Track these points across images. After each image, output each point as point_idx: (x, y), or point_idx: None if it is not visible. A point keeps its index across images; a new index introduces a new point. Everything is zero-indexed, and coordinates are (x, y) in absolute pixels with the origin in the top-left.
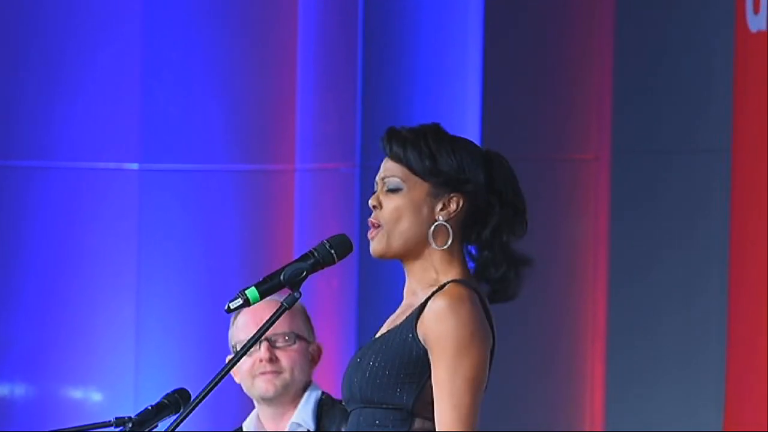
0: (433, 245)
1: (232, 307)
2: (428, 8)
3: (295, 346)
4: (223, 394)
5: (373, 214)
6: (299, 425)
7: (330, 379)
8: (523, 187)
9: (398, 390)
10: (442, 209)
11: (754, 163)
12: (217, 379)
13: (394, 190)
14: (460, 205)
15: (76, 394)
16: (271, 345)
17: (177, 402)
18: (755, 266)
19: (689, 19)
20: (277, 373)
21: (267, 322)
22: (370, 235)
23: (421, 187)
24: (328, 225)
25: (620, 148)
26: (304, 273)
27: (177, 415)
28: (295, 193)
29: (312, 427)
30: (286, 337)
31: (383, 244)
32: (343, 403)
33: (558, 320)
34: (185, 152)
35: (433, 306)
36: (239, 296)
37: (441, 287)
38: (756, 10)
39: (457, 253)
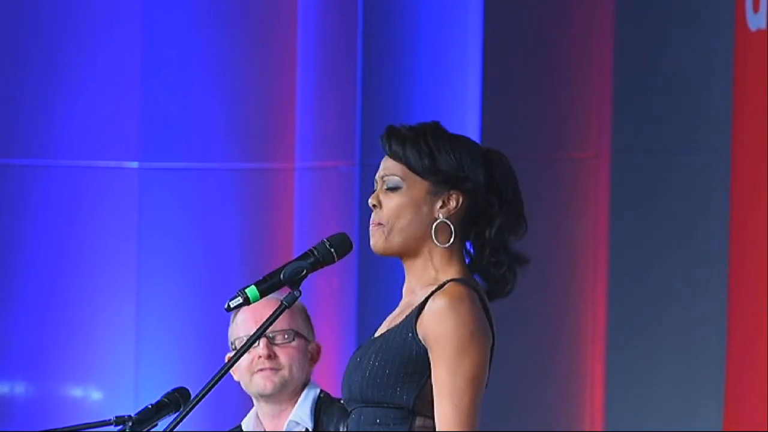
0: (436, 243)
1: (232, 306)
2: (428, 8)
3: (294, 344)
4: (223, 392)
5: (373, 213)
6: (297, 423)
7: (330, 378)
8: (523, 187)
9: (398, 389)
10: (441, 207)
11: (754, 162)
12: (217, 378)
13: (393, 189)
14: (460, 202)
15: (76, 392)
16: (270, 342)
17: (177, 401)
18: (755, 265)
19: (689, 18)
20: (276, 369)
21: (267, 320)
22: (371, 230)
23: (420, 186)
24: (328, 223)
25: (620, 147)
26: (304, 272)
27: (177, 413)
28: (294, 191)
29: (310, 426)
30: (285, 335)
31: (383, 240)
32: (344, 403)
33: (558, 320)
34: (185, 151)
35: (432, 305)
36: (239, 295)
37: (440, 286)
38: (756, 9)
39: (457, 251)
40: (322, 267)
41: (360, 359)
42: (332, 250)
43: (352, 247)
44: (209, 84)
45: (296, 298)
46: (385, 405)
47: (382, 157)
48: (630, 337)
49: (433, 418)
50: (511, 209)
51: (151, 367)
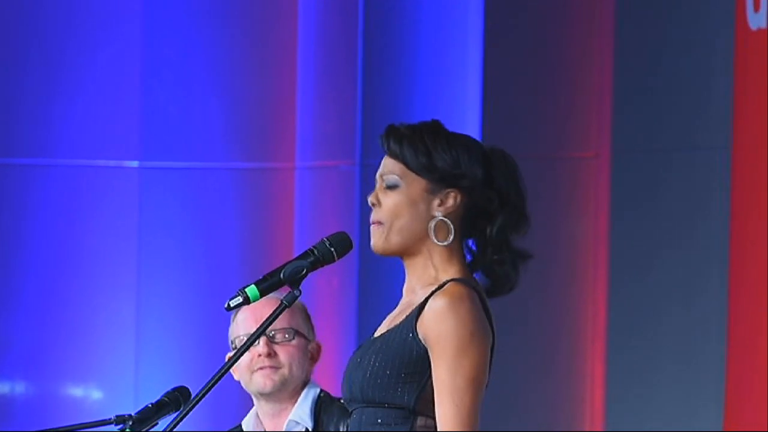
0: (435, 241)
1: (232, 305)
2: (428, 8)
3: (294, 342)
4: (223, 392)
5: (372, 212)
6: (297, 423)
7: (330, 377)
8: (524, 186)
9: (399, 389)
10: (439, 205)
11: (755, 161)
12: (217, 377)
13: (392, 187)
14: (458, 201)
15: (77, 392)
16: (270, 340)
17: (177, 400)
18: (755, 265)
19: (689, 17)
20: (276, 368)
21: (267, 319)
22: (372, 229)
23: (418, 184)
24: (328, 223)
25: (620, 147)
26: (304, 271)
27: (177, 413)
28: (295, 191)
29: (310, 425)
30: (285, 333)
31: (383, 240)
32: (344, 403)
33: (558, 320)
34: (185, 150)
35: (432, 305)
36: (239, 294)
37: (441, 286)
38: (756, 8)
39: (457, 250)
40: (322, 266)
41: (360, 359)
42: (332, 249)
43: (352, 247)
44: (209, 83)
45: (296, 298)
46: (387, 405)
47: (382, 157)
48: (630, 337)
49: (434, 418)
50: (513, 207)
51: (151, 366)
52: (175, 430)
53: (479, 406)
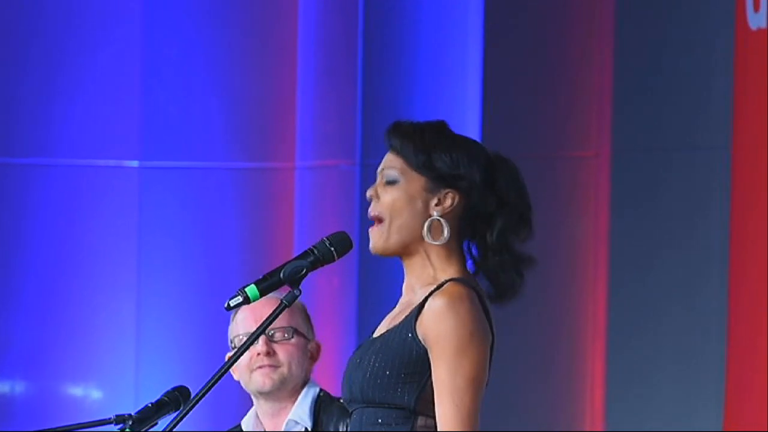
0: (428, 239)
1: (232, 305)
2: (428, 8)
3: (293, 341)
4: (223, 392)
5: (371, 206)
6: (296, 422)
7: (330, 377)
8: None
9: (399, 390)
10: (437, 204)
11: (755, 160)
12: (217, 377)
13: (391, 182)
14: (456, 201)
15: (77, 391)
16: (269, 339)
17: (177, 399)
18: (755, 264)
19: (689, 17)
20: (275, 367)
21: (267, 319)
22: (370, 229)
23: (417, 181)
24: (328, 222)
25: (620, 147)
26: (304, 270)
27: (177, 412)
28: (295, 190)
29: (309, 425)
30: (285, 332)
31: (382, 241)
32: (344, 403)
33: (558, 319)
34: (185, 150)
35: (432, 305)
36: (239, 294)
37: (439, 286)
38: (756, 8)
39: (455, 250)
40: (322, 266)
41: (360, 360)
42: (332, 248)
43: (352, 246)
44: (209, 83)
45: (296, 297)
46: (387, 405)
47: (383, 157)
48: (630, 337)
49: (434, 418)
50: (512, 211)
51: (151, 366)
52: (175, 430)
53: (479, 406)
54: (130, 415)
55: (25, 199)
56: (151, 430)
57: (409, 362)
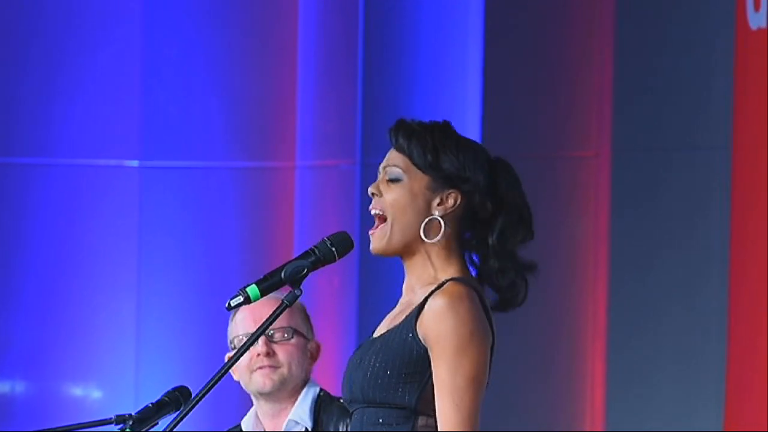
0: (424, 238)
1: (232, 305)
2: (428, 8)
3: (293, 341)
4: (223, 392)
5: (372, 202)
6: (297, 423)
7: (330, 377)
8: (524, 186)
9: (400, 389)
10: (439, 204)
11: (755, 160)
12: (217, 378)
13: (394, 180)
14: (458, 202)
15: (77, 391)
16: (269, 340)
17: (177, 399)
18: (755, 264)
19: (689, 17)
20: (275, 367)
21: (267, 319)
22: (371, 232)
23: (420, 180)
24: (329, 222)
25: (620, 146)
26: (305, 270)
27: (177, 412)
28: (295, 190)
29: (309, 425)
30: (284, 332)
31: (384, 241)
32: (344, 403)
33: (558, 319)
34: (185, 149)
35: (432, 305)
36: (240, 293)
37: (440, 285)
38: (756, 8)
39: (455, 250)
40: (323, 266)
41: (360, 360)
42: (333, 248)
43: (353, 246)
44: (209, 83)
45: (297, 297)
46: (388, 405)
47: (383, 156)
48: (630, 337)
49: (435, 418)
50: (512, 213)
51: (152, 366)
52: (175, 430)
53: (480, 406)
54: (130, 415)
55: (25, 199)
56: (152, 430)
57: (410, 362)
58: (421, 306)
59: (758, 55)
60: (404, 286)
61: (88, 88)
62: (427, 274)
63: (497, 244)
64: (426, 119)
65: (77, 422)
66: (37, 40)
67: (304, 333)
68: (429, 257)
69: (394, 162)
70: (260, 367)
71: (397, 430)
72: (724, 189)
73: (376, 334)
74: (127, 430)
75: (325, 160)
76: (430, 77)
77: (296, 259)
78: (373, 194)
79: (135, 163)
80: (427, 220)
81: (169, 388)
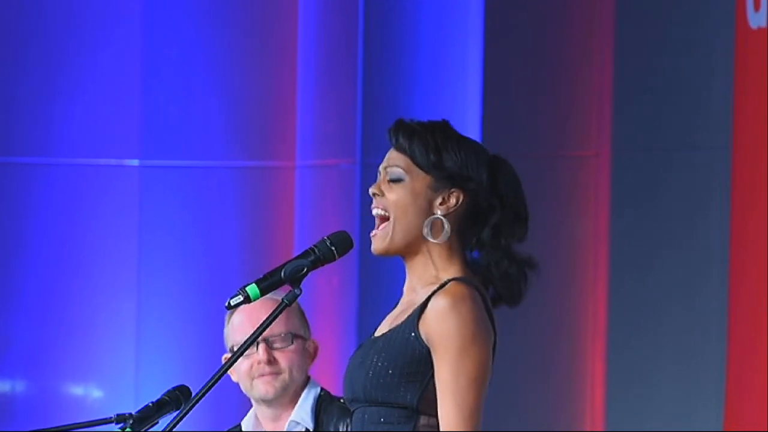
0: (429, 238)
1: (232, 304)
2: (429, 8)
3: (293, 347)
4: (223, 392)
5: (374, 202)
6: (297, 423)
7: (330, 377)
8: (524, 186)
9: (402, 389)
10: (441, 203)
11: (755, 160)
12: (215, 378)
13: (396, 180)
14: (460, 201)
15: (77, 391)
16: (269, 346)
17: (178, 399)
18: (756, 264)
19: (689, 17)
20: (276, 374)
21: (267, 319)
22: (372, 233)
23: (422, 180)
24: (329, 222)
25: (620, 146)
26: (305, 270)
27: (178, 412)
28: (295, 189)
29: (310, 426)
30: (284, 339)
31: (386, 242)
32: (346, 403)
33: (558, 319)
34: (186, 149)
35: (434, 305)
36: (240, 293)
37: (442, 285)
38: (757, 8)
39: (457, 250)
40: (322, 265)
41: (362, 359)
42: (333, 248)
43: (352, 245)
44: (210, 82)
45: (297, 296)
46: (389, 405)
47: (383, 156)
48: (630, 337)
49: (437, 417)
50: (512, 213)
51: (152, 365)
52: (175, 429)
53: (482, 406)
54: (130, 414)
55: (26, 199)
56: (152, 429)
57: (412, 361)
58: (424, 306)
59: (758, 55)
60: (405, 286)
61: (88, 87)
62: (428, 274)
63: (490, 238)
64: (426, 119)
65: (77, 422)
66: (37, 40)
67: (302, 335)
68: (431, 257)
69: (395, 162)
70: (261, 375)
71: (398, 429)
72: (724, 189)
73: (377, 334)
74: (128, 429)
75: (325, 160)
76: (430, 77)
77: (296, 258)
78: (374, 194)
79: (135, 162)
80: (430, 220)
81: (170, 387)
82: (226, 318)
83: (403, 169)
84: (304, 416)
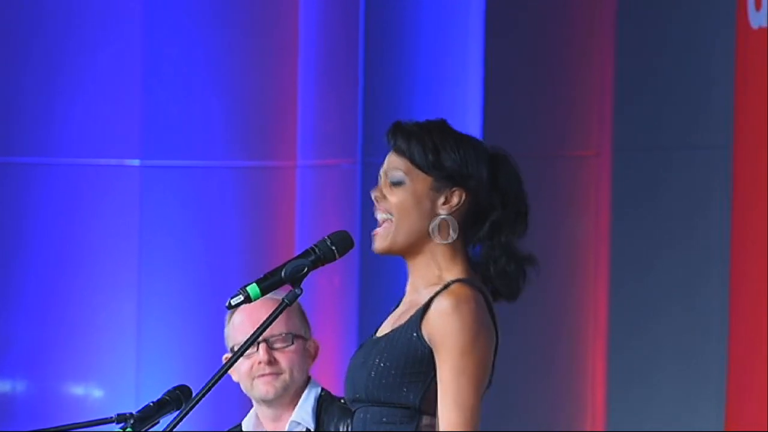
0: (436, 239)
1: (233, 303)
2: (429, 8)
3: (293, 347)
4: (223, 392)
5: (376, 206)
6: (298, 423)
7: (331, 377)
8: (525, 185)
9: (405, 389)
10: (444, 203)
11: (755, 160)
12: (216, 378)
13: (397, 184)
14: (462, 199)
15: (78, 390)
16: (269, 347)
17: (178, 399)
18: (756, 263)
19: (689, 16)
20: (277, 374)
21: (268, 319)
22: (374, 232)
23: (423, 181)
24: (329, 221)
25: (621, 146)
26: (306, 269)
27: (178, 411)
28: (296, 189)
29: (311, 426)
30: (284, 339)
31: (388, 241)
32: (347, 402)
33: (558, 319)
34: (186, 149)
35: (437, 306)
36: (240, 292)
37: (446, 286)
38: (758, 7)
39: (460, 249)
40: (323, 264)
41: (364, 360)
42: (333, 247)
43: (353, 245)
44: (210, 82)
45: (297, 296)
46: (392, 404)
47: (384, 155)
48: (631, 337)
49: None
50: (513, 209)
51: (152, 365)
52: (175, 429)
53: (481, 406)
54: (131, 414)
55: (26, 199)
56: (153, 429)
57: (414, 362)
58: (426, 306)
59: (759, 55)
60: (408, 286)
61: (89, 87)
62: (431, 274)
63: (490, 234)
64: (427, 118)
65: (78, 421)
66: (37, 40)
67: (302, 335)
68: (434, 257)
69: (394, 165)
70: (262, 375)
71: (401, 429)
72: (724, 189)
73: (379, 334)
74: (128, 429)
75: (325, 160)
76: (430, 77)
77: (296, 258)
78: (376, 199)
79: (136, 162)
80: (438, 220)
81: (170, 387)
82: (227, 318)
83: (404, 172)
84: (304, 416)
